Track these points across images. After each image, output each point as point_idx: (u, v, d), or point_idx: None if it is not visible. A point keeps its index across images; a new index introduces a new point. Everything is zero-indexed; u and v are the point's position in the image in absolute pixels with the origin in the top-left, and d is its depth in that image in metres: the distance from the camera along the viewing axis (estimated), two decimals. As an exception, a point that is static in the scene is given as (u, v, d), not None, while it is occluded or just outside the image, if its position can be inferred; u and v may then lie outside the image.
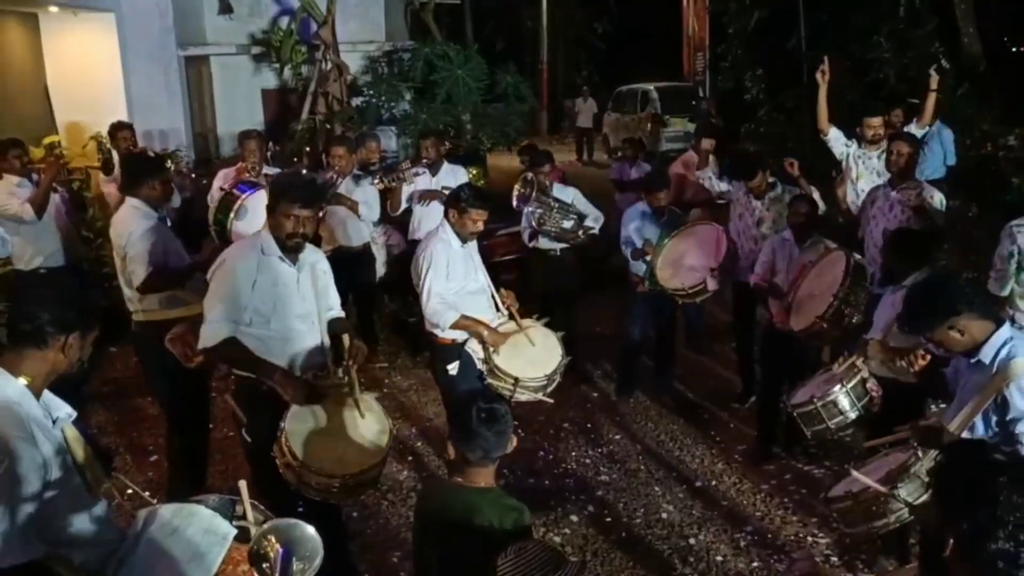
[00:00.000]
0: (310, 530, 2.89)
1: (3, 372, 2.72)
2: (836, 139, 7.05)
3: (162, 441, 5.67)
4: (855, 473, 3.57)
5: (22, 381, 2.72)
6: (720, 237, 6.08)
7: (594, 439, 6.24)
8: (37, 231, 6.39)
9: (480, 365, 4.95)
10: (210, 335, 3.83)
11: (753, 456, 5.83)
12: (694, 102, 21.49)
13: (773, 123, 16.10)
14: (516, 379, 4.80)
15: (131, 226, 4.78)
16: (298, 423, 3.64)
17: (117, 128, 8.24)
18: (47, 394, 2.86)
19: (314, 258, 4.11)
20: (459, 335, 4.95)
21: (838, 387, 4.25)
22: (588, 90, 24.29)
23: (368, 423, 3.79)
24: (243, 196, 5.55)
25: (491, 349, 4.80)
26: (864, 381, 4.24)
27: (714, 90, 22.23)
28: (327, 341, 4.08)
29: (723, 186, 6.85)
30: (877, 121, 6.90)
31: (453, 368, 4.98)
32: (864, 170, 6.79)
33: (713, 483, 5.57)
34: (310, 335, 4.00)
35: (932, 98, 7.36)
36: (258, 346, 3.87)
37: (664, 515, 5.19)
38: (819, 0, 17.50)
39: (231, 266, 3.89)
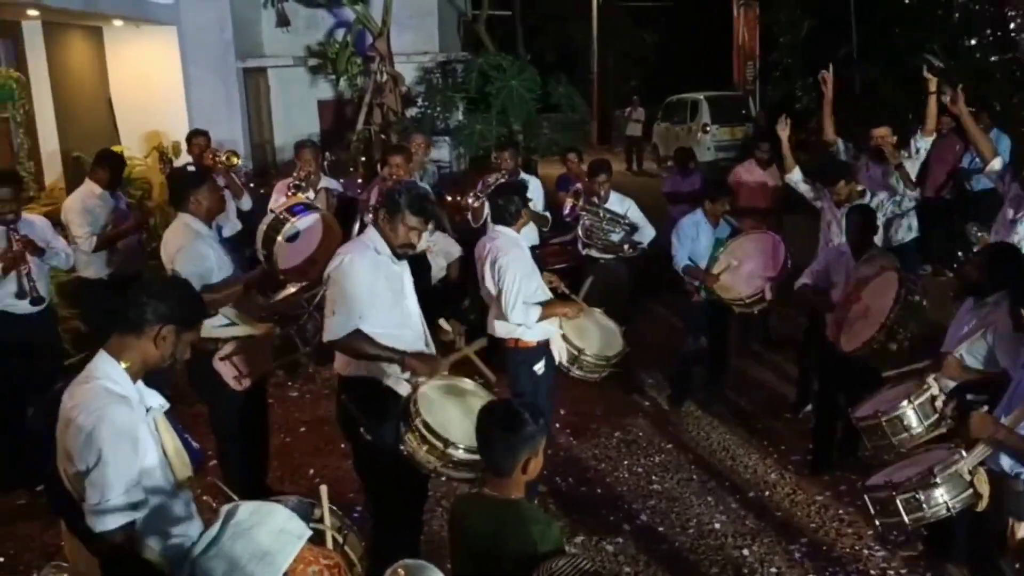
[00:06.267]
0: None
1: (107, 355, 2.86)
2: (842, 152, 6.94)
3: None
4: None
5: (122, 365, 2.85)
6: (777, 246, 6.05)
7: (646, 448, 6.25)
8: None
9: (562, 359, 5.16)
10: (336, 328, 3.98)
11: (809, 467, 5.79)
12: (744, 111, 21.40)
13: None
14: (607, 358, 5.19)
15: (177, 243, 4.79)
16: (430, 409, 3.79)
17: (193, 135, 8.41)
18: (142, 384, 2.96)
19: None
20: (543, 335, 5.09)
21: (905, 403, 4.11)
22: (638, 99, 24.25)
23: (483, 401, 3.93)
24: (293, 219, 5.31)
25: (575, 340, 5.10)
26: (933, 399, 4.07)
27: (764, 99, 22.11)
28: (429, 335, 4.27)
29: (811, 192, 6.72)
30: (884, 131, 6.60)
31: (539, 367, 5.11)
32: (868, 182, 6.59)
33: (766, 494, 5.55)
34: (418, 329, 4.20)
35: (933, 103, 6.56)
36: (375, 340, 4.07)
37: (717, 525, 5.18)
38: (871, 10, 17.31)
39: (350, 264, 4.03)
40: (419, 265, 7.34)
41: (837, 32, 18.00)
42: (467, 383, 4.13)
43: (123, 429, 2.73)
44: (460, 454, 3.65)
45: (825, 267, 5.73)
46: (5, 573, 4.89)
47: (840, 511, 5.26)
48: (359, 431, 4.09)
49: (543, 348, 5.14)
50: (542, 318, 4.98)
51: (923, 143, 6.68)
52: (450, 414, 3.88)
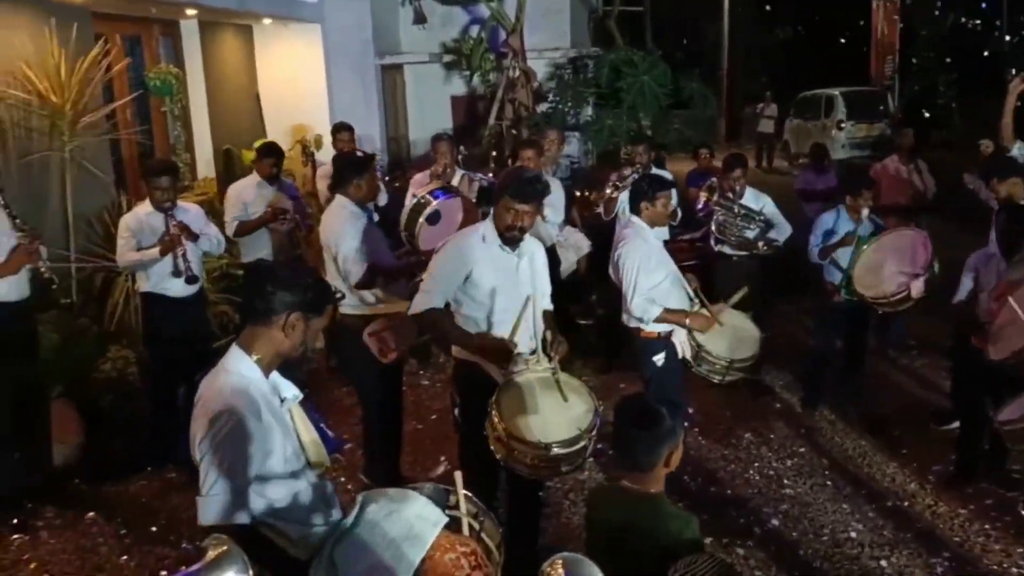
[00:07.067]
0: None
1: (238, 349, 2.86)
2: (1020, 156, 6.56)
3: (356, 431, 5.94)
4: None
5: (253, 358, 2.84)
6: (925, 242, 5.82)
7: (778, 451, 6.14)
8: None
9: (686, 354, 5.16)
10: (418, 303, 4.19)
11: (951, 478, 5.55)
12: (881, 107, 20.67)
13: (966, 130, 15.18)
14: (730, 361, 5.10)
15: (339, 225, 5.05)
16: (509, 400, 3.83)
17: (337, 129, 8.66)
18: (277, 376, 2.95)
19: (533, 248, 4.35)
20: (664, 328, 5.12)
21: None
22: (771, 95, 23.74)
23: (574, 403, 3.90)
24: (435, 201, 5.59)
25: (698, 336, 5.05)
26: None
27: (903, 95, 21.31)
28: (540, 327, 4.27)
29: (984, 192, 6.43)
30: None
31: (659, 359, 5.16)
32: None
33: (906, 504, 5.36)
34: (529, 321, 4.20)
35: None
36: (473, 327, 4.20)
37: (853, 534, 5.05)
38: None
39: (451, 248, 4.23)
40: (549, 259, 7.41)
41: (984, 25, 17.15)
42: (570, 380, 4.05)
43: (237, 425, 2.71)
44: (518, 446, 3.67)
45: (973, 275, 5.47)
46: (157, 542, 5.19)
47: (986, 526, 5.05)
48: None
49: (664, 340, 5.17)
50: (661, 320, 5.02)
51: None
52: (537, 408, 3.84)
